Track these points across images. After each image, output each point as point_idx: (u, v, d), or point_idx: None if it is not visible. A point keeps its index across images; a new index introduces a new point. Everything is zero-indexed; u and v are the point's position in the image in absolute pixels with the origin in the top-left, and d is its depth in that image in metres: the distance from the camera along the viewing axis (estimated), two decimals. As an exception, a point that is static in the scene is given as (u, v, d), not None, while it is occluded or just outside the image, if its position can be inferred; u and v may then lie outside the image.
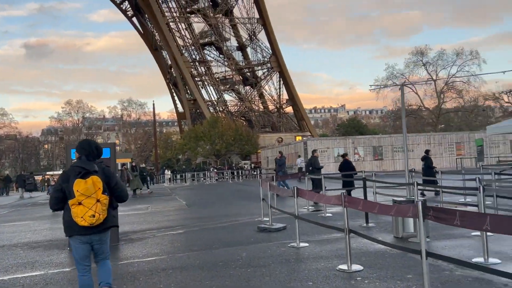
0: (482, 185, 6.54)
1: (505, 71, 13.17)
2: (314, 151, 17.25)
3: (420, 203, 4.55)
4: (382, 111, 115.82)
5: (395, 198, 9.17)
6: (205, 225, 11.77)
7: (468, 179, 12.80)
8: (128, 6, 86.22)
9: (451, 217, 4.15)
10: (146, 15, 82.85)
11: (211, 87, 78.08)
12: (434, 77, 59.97)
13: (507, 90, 59.69)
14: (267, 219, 10.58)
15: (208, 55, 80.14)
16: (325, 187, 14.06)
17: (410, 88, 55.96)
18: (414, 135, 39.08)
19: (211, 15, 78.01)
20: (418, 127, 62.52)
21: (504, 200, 10.58)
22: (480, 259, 6.18)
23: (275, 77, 78.00)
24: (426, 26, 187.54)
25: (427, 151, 16.42)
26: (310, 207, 13.68)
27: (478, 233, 7.32)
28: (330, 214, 12.08)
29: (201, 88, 77.28)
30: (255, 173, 44.26)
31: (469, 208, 11.18)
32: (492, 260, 6.11)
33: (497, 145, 36.92)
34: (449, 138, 38.81)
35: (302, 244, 8.08)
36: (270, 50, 77.61)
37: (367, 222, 10.06)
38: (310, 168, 16.02)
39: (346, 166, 15.23)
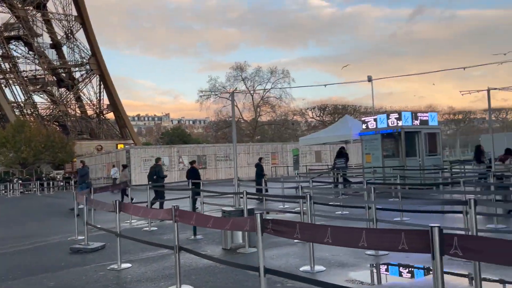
0: (309, 194, 6.71)
1: (326, 85, 14.56)
2: (158, 159, 16.38)
3: (258, 216, 4.24)
4: (205, 121, 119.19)
5: (224, 208, 8.96)
6: (3, 248, 9.71)
7: (288, 187, 13.57)
8: None
9: (291, 230, 3.92)
10: None
11: (17, 87, 68.82)
12: (252, 92, 64.26)
13: (311, 107, 67.85)
14: (83, 237, 9.25)
15: (15, 51, 70.69)
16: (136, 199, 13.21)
17: (231, 100, 58.71)
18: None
19: (19, 6, 69.00)
20: (238, 137, 65.94)
21: (317, 206, 11.38)
22: (307, 268, 6.28)
23: (95, 80, 73.14)
24: (244, 44, 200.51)
25: (260, 159, 17.27)
26: (133, 221, 12.65)
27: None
28: (155, 228, 11.30)
29: (4, 87, 67.39)
30: (69, 184, 40.09)
31: (287, 215, 11.76)
32: (317, 268, 6.25)
33: (304, 155, 41.19)
34: (266, 148, 41.76)
35: (124, 265, 7.15)
36: (90, 51, 72.46)
37: (195, 234, 9.62)
38: (155, 177, 15.14)
39: (193, 174, 14.92)
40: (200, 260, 7.01)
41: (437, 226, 2.87)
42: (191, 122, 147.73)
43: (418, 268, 6.24)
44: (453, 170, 18.73)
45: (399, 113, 18.71)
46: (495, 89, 10.65)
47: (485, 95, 12.20)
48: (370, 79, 22.92)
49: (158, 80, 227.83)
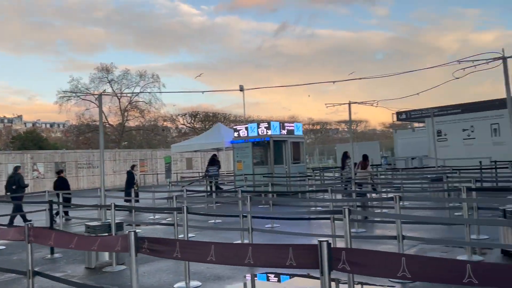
0: (186, 206, 6.38)
1: (203, 91, 14.30)
2: (18, 167, 14.39)
3: (132, 234, 3.81)
4: (64, 125, 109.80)
5: (88, 223, 8.11)
6: None
7: (159, 198, 12.99)
8: None
9: (170, 249, 3.57)
10: None
11: None
12: (119, 95, 61.07)
13: (182, 113, 67.23)
14: None
15: None
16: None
17: (95, 103, 55.07)
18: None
19: None
20: (103, 143, 62.18)
21: (190, 215, 11.06)
22: (181, 284, 5.94)
23: None
24: (110, 45, 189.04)
25: (132, 166, 16.45)
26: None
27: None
28: (3, 247, 9.80)
29: None
30: None
31: (157, 227, 11.24)
32: (193, 283, 5.95)
33: (175, 162, 40.47)
34: (134, 155, 39.99)
35: (-41, 297, 5.96)
36: None
37: (52, 252, 8.55)
38: (14, 187, 13.15)
39: (62, 184, 13.45)
40: (59, 283, 6.17)
41: (325, 241, 2.82)
42: (48, 126, 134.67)
43: (297, 275, 6.34)
44: (315, 177, 20.07)
45: (269, 123, 19.44)
46: (355, 103, 11.64)
47: (338, 108, 13.41)
48: (242, 89, 23.47)
49: (10, 78, 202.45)
